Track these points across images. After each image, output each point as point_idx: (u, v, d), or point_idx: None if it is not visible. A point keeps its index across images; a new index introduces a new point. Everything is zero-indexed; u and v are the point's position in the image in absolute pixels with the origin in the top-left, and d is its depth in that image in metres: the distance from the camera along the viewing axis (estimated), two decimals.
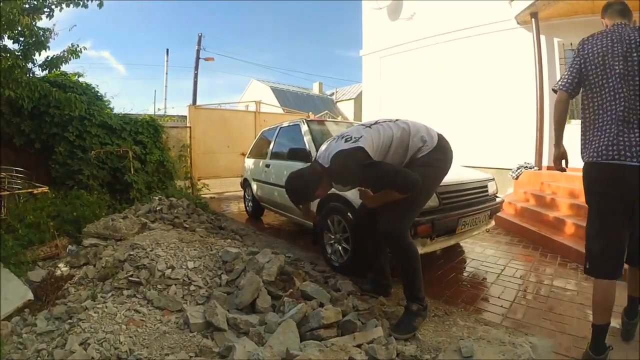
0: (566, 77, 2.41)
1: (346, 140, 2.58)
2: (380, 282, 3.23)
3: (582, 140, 2.36)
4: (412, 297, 2.66)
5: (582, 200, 5.42)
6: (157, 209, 5.02)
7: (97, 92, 6.98)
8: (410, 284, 2.67)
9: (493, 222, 4.31)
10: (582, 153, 2.35)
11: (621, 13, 2.37)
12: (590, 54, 2.30)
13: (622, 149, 2.10)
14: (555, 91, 2.47)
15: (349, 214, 3.60)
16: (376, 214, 2.76)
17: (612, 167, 2.13)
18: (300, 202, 2.83)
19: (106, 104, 7.06)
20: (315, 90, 34.80)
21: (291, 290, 2.86)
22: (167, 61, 21.84)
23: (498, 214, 4.46)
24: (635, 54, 2.15)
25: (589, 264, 2.35)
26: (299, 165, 4.56)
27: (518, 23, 7.93)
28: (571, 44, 7.62)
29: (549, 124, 7.39)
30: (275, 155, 5.67)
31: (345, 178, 2.62)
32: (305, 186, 2.68)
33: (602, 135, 2.20)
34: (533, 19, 7.37)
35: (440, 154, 2.74)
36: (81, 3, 4.91)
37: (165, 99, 22.31)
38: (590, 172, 2.28)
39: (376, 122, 2.77)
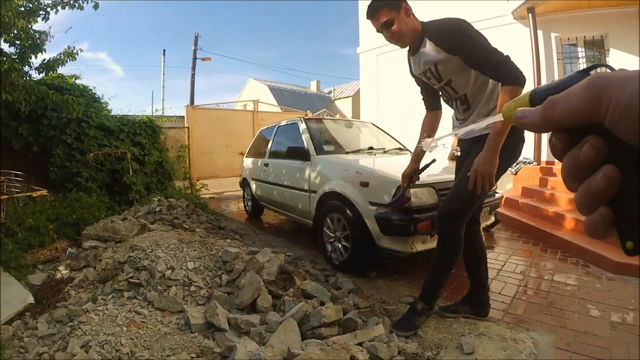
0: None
1: None
2: (478, 298, 2.81)
3: None
4: (424, 296, 2.59)
5: None
6: (157, 210, 5.02)
7: (94, 93, 6.97)
8: (431, 282, 2.59)
9: (493, 218, 4.32)
10: None
11: None
12: None
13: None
14: None
15: (348, 211, 3.60)
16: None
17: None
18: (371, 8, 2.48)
19: (104, 105, 7.05)
20: (313, 88, 34.82)
21: (292, 289, 2.86)
22: (163, 62, 21.73)
23: (497, 209, 4.46)
24: None
25: None
26: (297, 163, 4.57)
27: (515, 18, 7.93)
28: (568, 39, 7.62)
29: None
30: (274, 154, 5.67)
31: (449, 31, 2.24)
32: None
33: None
34: (530, 14, 7.37)
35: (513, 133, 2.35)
36: (77, 5, 4.90)
37: (163, 99, 22.19)
38: None
39: None
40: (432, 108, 2.81)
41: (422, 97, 2.82)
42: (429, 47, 2.32)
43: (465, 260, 2.79)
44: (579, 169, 0.35)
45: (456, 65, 2.29)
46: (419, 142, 2.74)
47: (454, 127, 2.67)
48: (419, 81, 2.73)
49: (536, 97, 0.39)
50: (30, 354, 2.15)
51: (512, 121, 0.40)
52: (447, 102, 2.61)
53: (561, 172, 0.37)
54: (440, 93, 2.61)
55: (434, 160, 2.79)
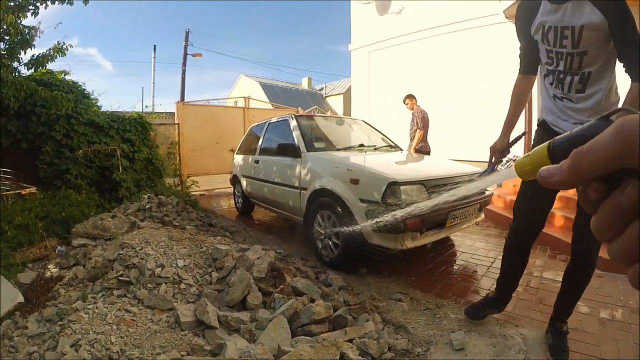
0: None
1: None
2: (501, 297, 2.71)
3: None
4: (566, 317, 2.48)
5: (570, 192, 5.49)
6: (146, 207, 5.00)
7: (84, 90, 6.89)
8: (573, 304, 2.46)
9: (483, 215, 4.34)
10: None
11: None
12: None
13: None
14: None
15: (338, 208, 3.61)
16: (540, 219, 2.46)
17: None
18: None
19: (93, 101, 6.96)
20: (304, 85, 34.76)
21: (282, 286, 2.86)
22: (154, 57, 21.57)
23: (487, 206, 4.48)
24: None
25: None
26: (288, 160, 4.57)
27: (506, 17, 7.94)
28: None
29: (536, 118, 7.47)
30: (264, 151, 5.66)
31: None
32: None
33: None
34: None
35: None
36: (66, 0, 4.86)
37: (153, 95, 22.22)
38: None
39: None
40: (528, 72, 2.66)
41: (520, 57, 2.68)
42: (584, 5, 2.05)
43: (511, 269, 2.62)
44: (620, 216, 0.33)
45: (601, 39, 2.08)
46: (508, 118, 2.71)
47: (544, 107, 2.55)
48: (526, 39, 2.56)
49: (555, 150, 0.38)
50: (21, 354, 2.14)
51: (535, 178, 0.38)
52: (556, 74, 2.36)
53: (594, 225, 0.35)
54: (550, 61, 2.37)
55: (524, 133, 2.61)
